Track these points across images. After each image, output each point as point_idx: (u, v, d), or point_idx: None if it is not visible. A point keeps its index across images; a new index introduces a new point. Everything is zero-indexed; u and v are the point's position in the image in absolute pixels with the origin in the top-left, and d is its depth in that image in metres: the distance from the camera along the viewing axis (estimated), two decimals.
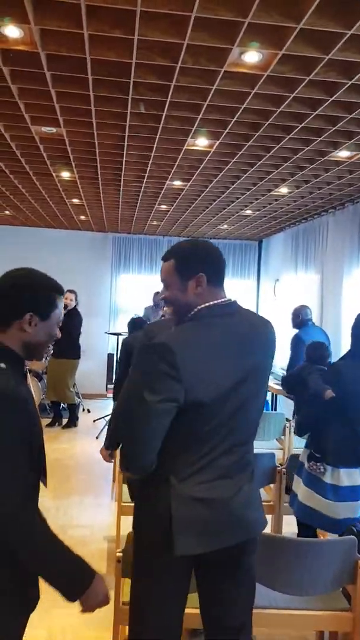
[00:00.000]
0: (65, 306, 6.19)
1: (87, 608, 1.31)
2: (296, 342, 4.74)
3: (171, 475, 1.44)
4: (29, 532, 1.24)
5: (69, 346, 6.14)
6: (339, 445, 2.52)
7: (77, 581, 1.29)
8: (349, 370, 2.54)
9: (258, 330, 1.55)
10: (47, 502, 3.92)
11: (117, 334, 6.87)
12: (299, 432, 2.81)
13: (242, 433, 1.52)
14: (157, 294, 7.28)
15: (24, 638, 1.41)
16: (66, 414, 6.45)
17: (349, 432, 2.53)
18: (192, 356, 1.39)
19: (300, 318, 4.89)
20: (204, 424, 1.43)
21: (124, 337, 4.27)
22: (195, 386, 1.38)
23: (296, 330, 4.88)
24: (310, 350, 3.21)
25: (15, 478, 1.22)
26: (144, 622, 1.56)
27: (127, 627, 2.30)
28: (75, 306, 6.15)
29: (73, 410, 6.40)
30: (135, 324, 4.58)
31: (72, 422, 6.35)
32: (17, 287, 1.35)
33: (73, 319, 6.07)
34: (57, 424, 6.31)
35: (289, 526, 3.01)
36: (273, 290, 7.89)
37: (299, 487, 2.68)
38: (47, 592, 2.34)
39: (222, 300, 1.51)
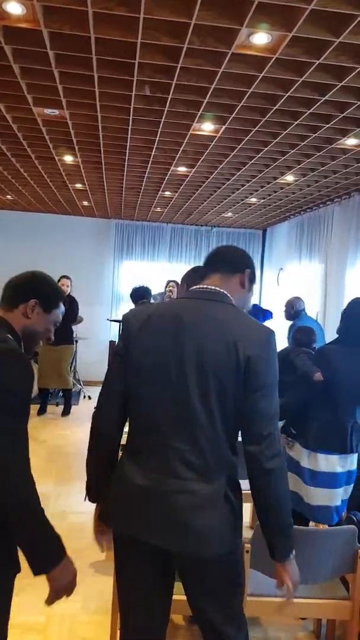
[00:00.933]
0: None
1: (55, 586, 1.34)
2: (290, 332, 4.74)
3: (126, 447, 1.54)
4: (27, 486, 1.29)
5: (67, 332, 6.14)
6: (322, 430, 2.51)
7: (51, 554, 1.33)
8: (337, 356, 2.53)
9: (215, 324, 1.49)
10: (48, 488, 3.93)
11: (119, 321, 6.84)
12: (282, 413, 2.79)
13: (179, 423, 1.45)
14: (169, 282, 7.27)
15: (23, 624, 1.41)
16: (61, 400, 6.45)
17: (332, 417, 2.51)
18: (136, 322, 1.55)
19: (294, 309, 4.88)
20: (139, 393, 1.51)
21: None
22: (132, 345, 1.52)
23: (289, 323, 4.87)
24: (299, 334, 3.22)
25: (24, 431, 1.31)
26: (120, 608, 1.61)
27: None
28: (69, 292, 6.12)
29: (70, 397, 6.39)
30: (135, 295, 4.53)
31: (69, 409, 6.34)
32: (32, 277, 1.55)
33: (72, 305, 6.04)
34: (45, 411, 6.28)
35: None
36: (277, 279, 7.85)
37: (302, 487, 2.66)
38: (44, 578, 2.34)
39: (198, 287, 1.61)
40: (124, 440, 1.60)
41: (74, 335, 6.54)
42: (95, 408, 1.62)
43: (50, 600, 1.36)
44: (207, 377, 1.44)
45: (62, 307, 1.58)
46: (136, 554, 1.52)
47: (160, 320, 1.52)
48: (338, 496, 2.54)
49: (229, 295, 1.57)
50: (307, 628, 2.47)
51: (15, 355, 1.34)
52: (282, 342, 5.47)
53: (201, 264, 2.06)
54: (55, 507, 3.61)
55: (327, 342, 3.35)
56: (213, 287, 1.58)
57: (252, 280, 1.66)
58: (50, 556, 1.33)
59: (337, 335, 2.70)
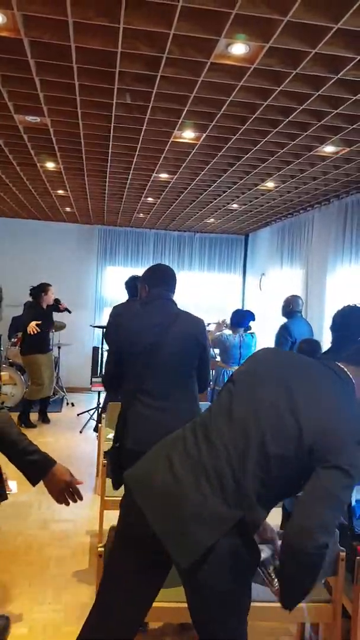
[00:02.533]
0: (58, 300, 6.09)
1: (53, 489, 1.57)
2: (281, 332, 4.80)
3: None
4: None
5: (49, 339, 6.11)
6: None
7: (42, 462, 1.57)
8: None
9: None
10: (31, 496, 3.89)
11: (103, 327, 6.83)
12: None
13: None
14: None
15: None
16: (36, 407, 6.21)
17: None
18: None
19: (290, 308, 4.94)
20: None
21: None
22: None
23: (284, 320, 4.95)
24: (305, 345, 3.24)
25: None
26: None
27: None
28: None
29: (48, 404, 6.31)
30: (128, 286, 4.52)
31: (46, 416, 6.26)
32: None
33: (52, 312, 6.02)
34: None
35: (271, 519, 3.03)
36: (259, 284, 7.91)
37: None
38: (28, 587, 2.31)
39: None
40: None
41: (57, 342, 6.47)
42: None
43: (58, 501, 1.61)
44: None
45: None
46: (137, 551, 1.52)
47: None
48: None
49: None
50: (291, 632, 2.49)
51: None
52: (267, 342, 5.52)
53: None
54: (37, 515, 3.58)
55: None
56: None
57: None
58: (37, 466, 1.58)
59: (332, 345, 2.68)
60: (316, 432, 1.41)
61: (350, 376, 1.55)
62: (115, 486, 2.35)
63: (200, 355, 2.41)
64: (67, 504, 1.58)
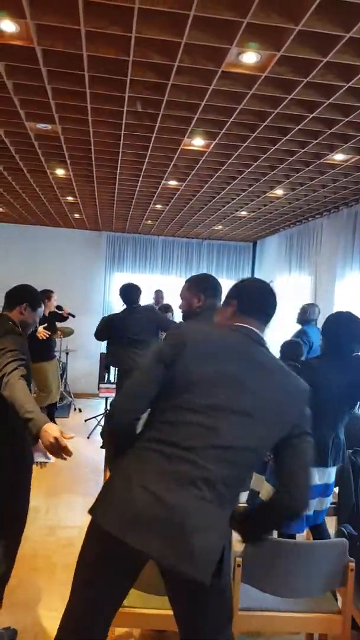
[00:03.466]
0: (60, 307, 6.10)
1: (45, 444, 1.81)
2: (301, 334, 4.81)
3: None
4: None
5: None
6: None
7: (36, 421, 1.85)
8: (321, 370, 2.52)
9: None
10: (37, 501, 3.89)
11: None
12: None
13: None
14: (158, 291, 7.27)
15: None
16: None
17: (313, 431, 2.52)
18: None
19: (307, 315, 4.94)
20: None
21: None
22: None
23: (298, 327, 4.96)
24: (285, 347, 3.22)
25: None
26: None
27: (115, 628, 2.29)
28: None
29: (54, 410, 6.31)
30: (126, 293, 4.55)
31: (54, 422, 6.26)
32: (22, 288, 2.41)
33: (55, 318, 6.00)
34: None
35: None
36: None
37: (263, 485, 2.68)
38: (35, 593, 2.31)
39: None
40: None
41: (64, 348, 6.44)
42: None
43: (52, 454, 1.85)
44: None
45: (42, 308, 2.39)
46: (120, 553, 1.48)
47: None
48: (311, 506, 2.54)
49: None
50: None
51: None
52: (276, 349, 5.49)
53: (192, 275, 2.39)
54: (44, 521, 3.57)
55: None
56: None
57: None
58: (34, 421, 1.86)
59: (321, 350, 2.71)
60: (293, 413, 1.54)
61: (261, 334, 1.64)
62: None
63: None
64: (61, 457, 1.83)
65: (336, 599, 2.11)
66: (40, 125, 3.48)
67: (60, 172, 4.71)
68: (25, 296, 2.34)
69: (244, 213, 6.16)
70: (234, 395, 1.50)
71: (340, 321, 2.59)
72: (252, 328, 1.63)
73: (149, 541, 1.38)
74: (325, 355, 2.62)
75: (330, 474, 2.57)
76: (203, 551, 1.39)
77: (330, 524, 2.85)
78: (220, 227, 7.23)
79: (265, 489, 2.66)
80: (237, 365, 1.53)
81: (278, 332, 5.21)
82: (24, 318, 2.32)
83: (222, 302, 1.84)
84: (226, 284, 7.27)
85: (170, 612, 1.91)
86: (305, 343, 4.67)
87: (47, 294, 5.92)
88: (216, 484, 1.44)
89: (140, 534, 1.39)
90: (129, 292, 4.92)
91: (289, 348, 3.15)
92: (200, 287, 2.26)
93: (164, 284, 7.84)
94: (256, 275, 8.56)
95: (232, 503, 1.53)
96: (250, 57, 2.38)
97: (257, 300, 1.71)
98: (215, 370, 1.51)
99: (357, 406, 2.54)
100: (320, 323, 5.60)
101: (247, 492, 2.82)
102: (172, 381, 1.51)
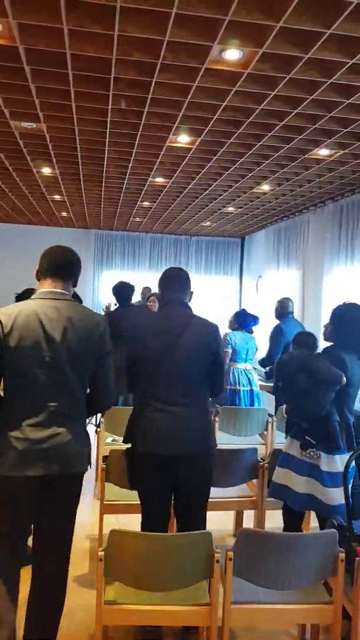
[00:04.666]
0: None
1: None
2: (276, 332, 4.89)
3: None
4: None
5: None
6: (336, 432, 2.57)
7: None
8: (349, 361, 2.59)
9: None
10: None
11: None
12: (292, 421, 2.77)
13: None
14: (145, 288, 7.27)
15: None
16: None
17: (341, 419, 2.58)
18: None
19: (281, 310, 5.01)
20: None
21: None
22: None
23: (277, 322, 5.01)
24: (303, 338, 3.19)
25: None
26: None
27: (109, 627, 2.31)
28: None
29: None
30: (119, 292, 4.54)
31: None
32: (75, 259, 2.15)
33: None
34: None
35: (271, 522, 3.04)
36: (255, 286, 7.94)
37: (293, 478, 2.65)
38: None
39: None
40: None
41: None
42: None
43: None
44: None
45: None
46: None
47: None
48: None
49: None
50: (292, 634, 2.49)
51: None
52: (265, 343, 5.53)
53: None
54: None
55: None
56: None
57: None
58: None
59: (332, 342, 2.71)
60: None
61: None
62: (131, 486, 2.43)
63: (213, 361, 2.39)
64: None
65: (327, 590, 2.14)
66: (25, 124, 3.46)
67: (46, 170, 4.69)
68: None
69: (231, 209, 6.18)
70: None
71: (351, 311, 2.68)
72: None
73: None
74: (340, 345, 2.65)
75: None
76: None
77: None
78: (208, 223, 7.25)
79: (296, 481, 2.67)
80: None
81: (268, 327, 5.24)
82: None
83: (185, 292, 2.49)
84: (215, 280, 7.42)
85: (164, 607, 1.94)
86: (280, 340, 4.78)
87: (33, 293, 5.89)
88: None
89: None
90: (123, 291, 4.93)
91: (308, 338, 3.18)
92: (159, 283, 2.52)
93: (153, 281, 7.84)
94: (245, 271, 8.60)
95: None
96: (232, 54, 2.39)
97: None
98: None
99: None
100: (305, 315, 5.66)
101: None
102: None
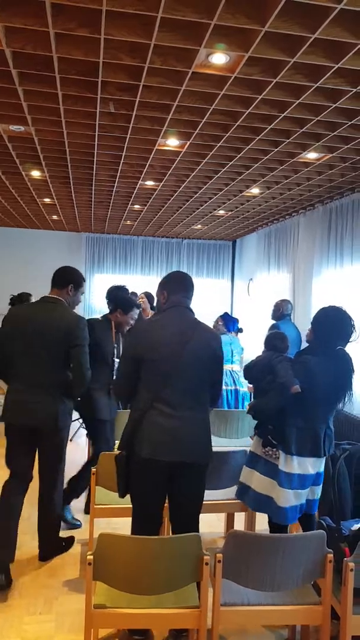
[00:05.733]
0: None
1: None
2: (275, 329, 4.88)
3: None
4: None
5: None
6: (298, 436, 2.57)
7: None
8: (315, 366, 2.58)
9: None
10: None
11: None
12: (257, 416, 2.81)
13: None
14: (132, 293, 7.26)
15: None
16: None
17: (306, 424, 2.58)
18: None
19: (280, 311, 5.06)
20: None
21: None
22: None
23: (273, 322, 5.05)
24: (277, 341, 3.16)
25: None
26: None
27: (99, 630, 2.30)
28: None
29: None
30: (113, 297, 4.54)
31: None
32: (67, 271, 3.01)
33: None
34: None
35: (262, 524, 3.04)
36: (247, 289, 7.96)
37: (253, 477, 2.71)
38: (19, 598, 2.30)
39: None
40: None
41: None
42: None
43: None
44: None
45: (82, 290, 3.03)
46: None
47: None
48: (304, 496, 2.59)
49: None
50: (282, 635, 2.49)
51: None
52: (257, 348, 5.53)
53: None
54: (27, 527, 3.54)
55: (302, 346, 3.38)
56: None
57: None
58: None
59: (308, 345, 2.75)
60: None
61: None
62: (121, 494, 2.36)
63: (216, 368, 2.38)
64: None
65: (316, 591, 2.14)
66: (13, 127, 3.45)
67: (35, 173, 4.69)
68: (71, 279, 2.98)
69: (221, 212, 6.20)
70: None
71: (329, 316, 2.65)
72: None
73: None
74: (313, 349, 2.67)
75: (322, 463, 2.63)
76: None
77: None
78: (199, 226, 7.27)
79: (255, 480, 2.69)
80: None
81: (259, 330, 5.26)
82: (68, 298, 2.95)
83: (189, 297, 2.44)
84: (207, 283, 7.45)
85: (154, 611, 1.93)
86: None
87: (24, 297, 5.88)
88: None
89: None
90: (117, 295, 4.90)
91: (280, 341, 3.13)
92: (164, 286, 2.44)
93: (144, 285, 7.84)
94: (236, 274, 8.62)
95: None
96: (219, 58, 2.40)
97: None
98: None
99: (346, 398, 2.60)
100: (295, 318, 5.69)
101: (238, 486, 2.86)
102: None
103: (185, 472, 2.28)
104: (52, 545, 3.08)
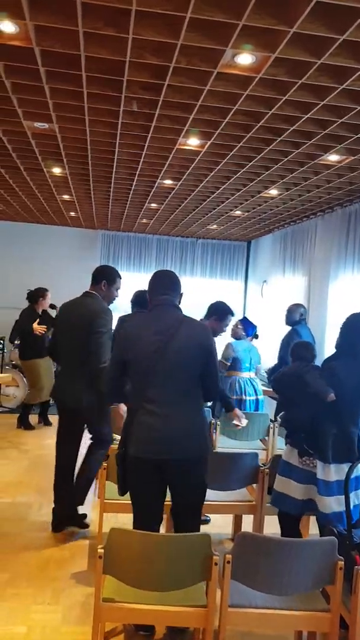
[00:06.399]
0: (54, 306, 6.12)
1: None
2: (292, 333, 4.84)
3: None
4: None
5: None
6: (333, 443, 2.57)
7: None
8: (343, 372, 2.58)
9: None
10: (30, 498, 3.91)
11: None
12: (292, 427, 2.80)
13: None
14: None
15: (3, 635, 1.43)
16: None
17: (340, 431, 2.58)
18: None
19: (293, 315, 5.00)
20: None
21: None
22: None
23: (288, 328, 5.00)
24: (301, 349, 3.12)
25: None
26: None
27: (106, 624, 2.32)
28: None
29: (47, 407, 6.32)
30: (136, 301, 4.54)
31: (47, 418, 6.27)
32: (101, 270, 3.34)
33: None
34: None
35: (270, 527, 3.04)
36: (260, 291, 7.93)
37: (290, 486, 2.69)
38: (27, 587, 2.32)
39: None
40: None
41: None
42: None
43: None
44: None
45: (118, 285, 3.33)
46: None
47: None
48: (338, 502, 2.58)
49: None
50: None
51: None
52: (271, 352, 5.51)
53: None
54: (37, 517, 3.59)
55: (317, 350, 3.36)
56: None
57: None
58: None
59: (336, 350, 2.73)
60: None
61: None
62: (120, 492, 2.39)
63: (206, 362, 2.33)
64: None
65: (325, 597, 2.13)
66: (38, 124, 3.49)
67: (56, 170, 4.72)
68: (105, 276, 3.28)
69: (238, 212, 6.19)
70: None
71: (358, 320, 2.66)
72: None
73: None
74: (341, 354, 2.67)
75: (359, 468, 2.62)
76: None
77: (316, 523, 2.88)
78: (214, 226, 7.26)
79: (294, 488, 2.70)
80: None
81: (272, 333, 5.24)
82: (103, 294, 3.25)
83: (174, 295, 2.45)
84: (220, 284, 7.43)
85: (161, 607, 1.94)
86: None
87: (41, 293, 5.92)
88: None
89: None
90: (143, 299, 4.89)
91: (306, 350, 3.06)
92: (148, 286, 2.49)
93: None
94: (250, 276, 8.60)
95: None
96: (245, 59, 2.40)
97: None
98: None
99: None
100: (310, 322, 5.67)
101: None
102: None
103: (177, 468, 2.28)
104: (72, 508, 3.32)
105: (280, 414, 3.13)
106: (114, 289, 3.28)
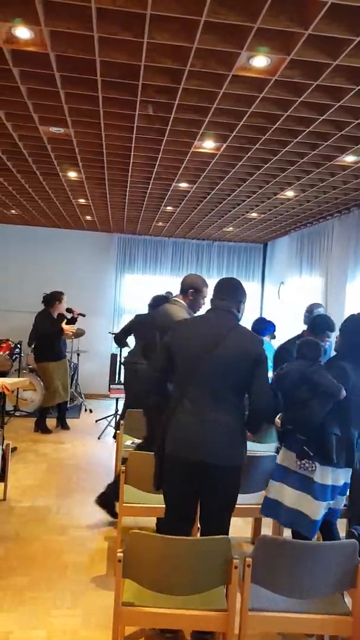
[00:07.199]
0: (70, 309, 6.17)
1: None
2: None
3: None
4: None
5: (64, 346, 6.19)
6: (331, 446, 2.53)
7: None
8: (352, 372, 2.56)
9: None
10: (49, 501, 3.93)
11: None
12: (304, 429, 2.73)
13: None
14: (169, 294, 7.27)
15: (23, 638, 1.43)
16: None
17: (342, 433, 2.54)
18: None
19: (313, 315, 4.93)
20: None
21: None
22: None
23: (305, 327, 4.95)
24: (307, 347, 3.01)
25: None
26: None
27: (126, 628, 2.31)
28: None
29: (66, 410, 6.37)
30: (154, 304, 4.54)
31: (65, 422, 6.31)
32: (186, 280, 3.14)
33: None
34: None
35: (288, 530, 3.01)
36: (277, 293, 7.89)
37: (285, 492, 2.62)
38: (46, 591, 2.34)
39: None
40: None
41: (75, 349, 6.48)
42: None
43: None
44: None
45: (204, 294, 3.12)
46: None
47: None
48: (326, 508, 2.55)
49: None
50: None
51: None
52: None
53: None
54: (55, 521, 3.61)
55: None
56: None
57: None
58: None
59: (337, 352, 2.72)
60: None
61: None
62: (155, 487, 2.43)
63: (253, 373, 2.28)
64: None
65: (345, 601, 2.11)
66: (54, 129, 3.52)
67: (72, 174, 4.76)
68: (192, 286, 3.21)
69: (254, 214, 6.17)
70: None
71: (358, 321, 2.64)
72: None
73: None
74: (342, 355, 2.64)
75: (349, 474, 2.59)
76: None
77: (341, 527, 2.85)
78: (230, 228, 7.24)
79: (287, 495, 2.66)
80: None
81: (290, 336, 5.20)
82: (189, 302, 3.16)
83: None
84: None
85: (181, 611, 1.94)
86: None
87: (57, 296, 5.97)
88: None
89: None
90: (160, 304, 4.93)
91: (310, 349, 2.94)
92: (213, 292, 2.60)
93: (174, 286, 7.87)
94: (267, 277, 8.56)
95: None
96: (260, 61, 2.39)
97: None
98: None
99: None
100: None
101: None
102: None
103: (210, 473, 2.27)
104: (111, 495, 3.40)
105: (279, 415, 3.00)
106: (200, 298, 3.17)
